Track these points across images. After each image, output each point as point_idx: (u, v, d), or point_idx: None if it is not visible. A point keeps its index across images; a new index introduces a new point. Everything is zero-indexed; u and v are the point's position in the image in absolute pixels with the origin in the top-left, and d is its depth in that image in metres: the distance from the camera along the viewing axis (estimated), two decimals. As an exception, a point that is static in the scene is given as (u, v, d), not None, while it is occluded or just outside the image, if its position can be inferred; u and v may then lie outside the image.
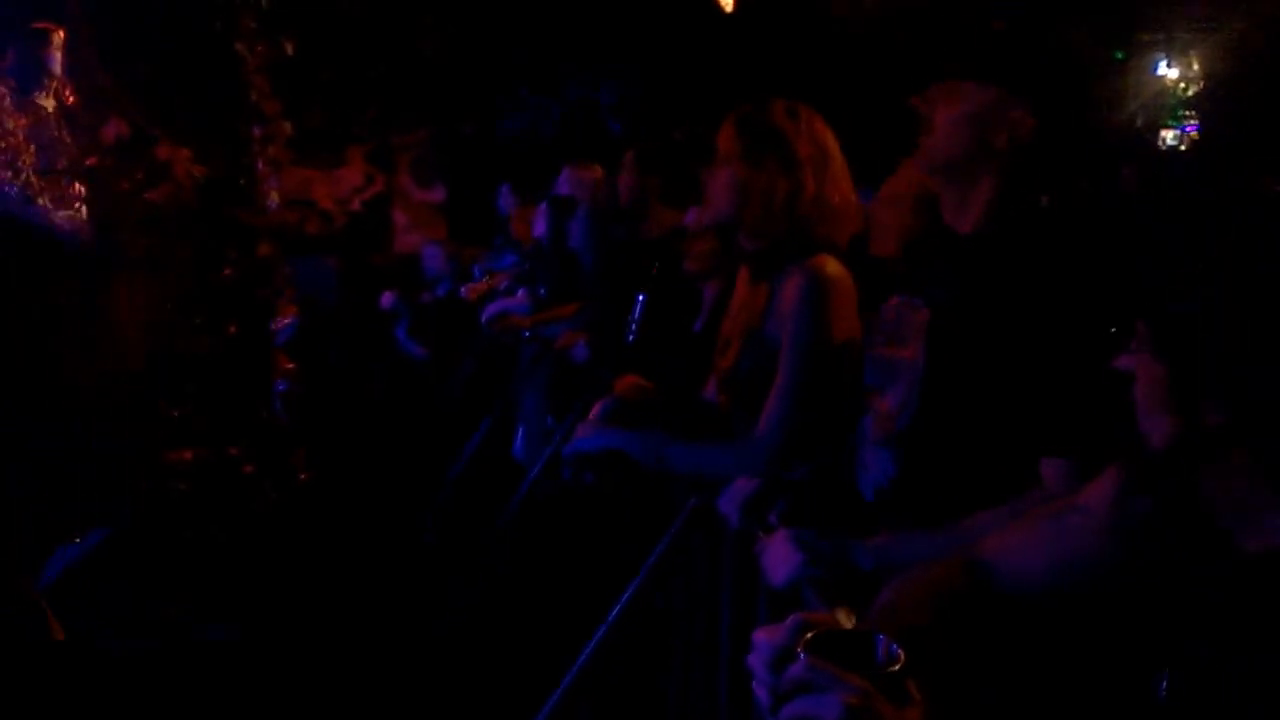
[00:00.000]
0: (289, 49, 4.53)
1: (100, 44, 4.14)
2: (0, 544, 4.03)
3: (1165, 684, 1.21)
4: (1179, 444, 1.22)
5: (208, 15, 4.23)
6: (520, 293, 5.68)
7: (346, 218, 7.82)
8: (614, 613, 2.69)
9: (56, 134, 4.01)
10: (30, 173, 3.93)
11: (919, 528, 1.81)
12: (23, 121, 3.95)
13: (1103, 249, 1.81)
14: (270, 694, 3.64)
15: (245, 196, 4.34)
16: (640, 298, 3.57)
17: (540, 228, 5.38)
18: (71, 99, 4.07)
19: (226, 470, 4.31)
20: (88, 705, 3.51)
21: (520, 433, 5.12)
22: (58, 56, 4.06)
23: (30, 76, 4.02)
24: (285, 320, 4.75)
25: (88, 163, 4.09)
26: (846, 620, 1.67)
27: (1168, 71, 7.95)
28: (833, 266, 2.44)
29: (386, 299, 6.99)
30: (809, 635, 1.06)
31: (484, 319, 5.58)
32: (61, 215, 4.02)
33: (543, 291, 5.37)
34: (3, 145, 3.89)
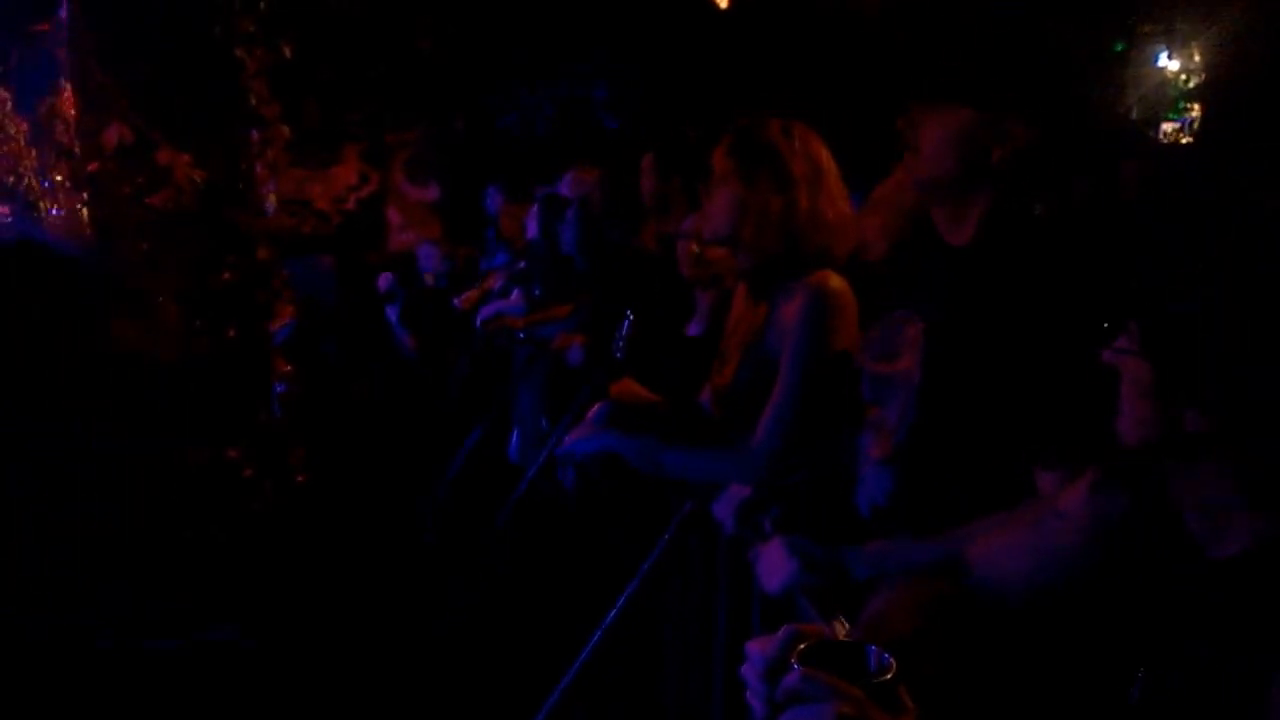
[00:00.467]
0: (287, 52, 4.54)
1: (100, 48, 4.15)
2: (0, 544, 4.06)
3: (1139, 685, 1.23)
4: (1154, 444, 1.24)
5: (207, 19, 4.24)
6: (515, 294, 5.69)
7: (342, 217, 7.82)
8: (610, 616, 2.72)
9: (58, 138, 4.02)
10: (32, 177, 3.95)
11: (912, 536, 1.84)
12: (24, 126, 3.96)
13: (1098, 257, 1.79)
14: (270, 694, 3.66)
15: (244, 200, 4.36)
16: (628, 315, 3.59)
17: (533, 228, 5.39)
18: (73, 104, 4.08)
19: (226, 472, 4.33)
20: (88, 705, 3.54)
21: (515, 434, 5.14)
22: (59, 61, 4.07)
23: (32, 81, 4.04)
24: (283, 321, 4.76)
25: (89, 167, 4.10)
26: (839, 627, 1.71)
27: (1168, 63, 7.89)
28: (835, 281, 2.47)
29: (384, 279, 6.97)
30: (802, 646, 1.07)
31: (479, 320, 5.59)
32: (63, 219, 4.04)
33: (537, 292, 5.38)
34: (4, 150, 3.91)
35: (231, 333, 4.29)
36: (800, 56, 7.11)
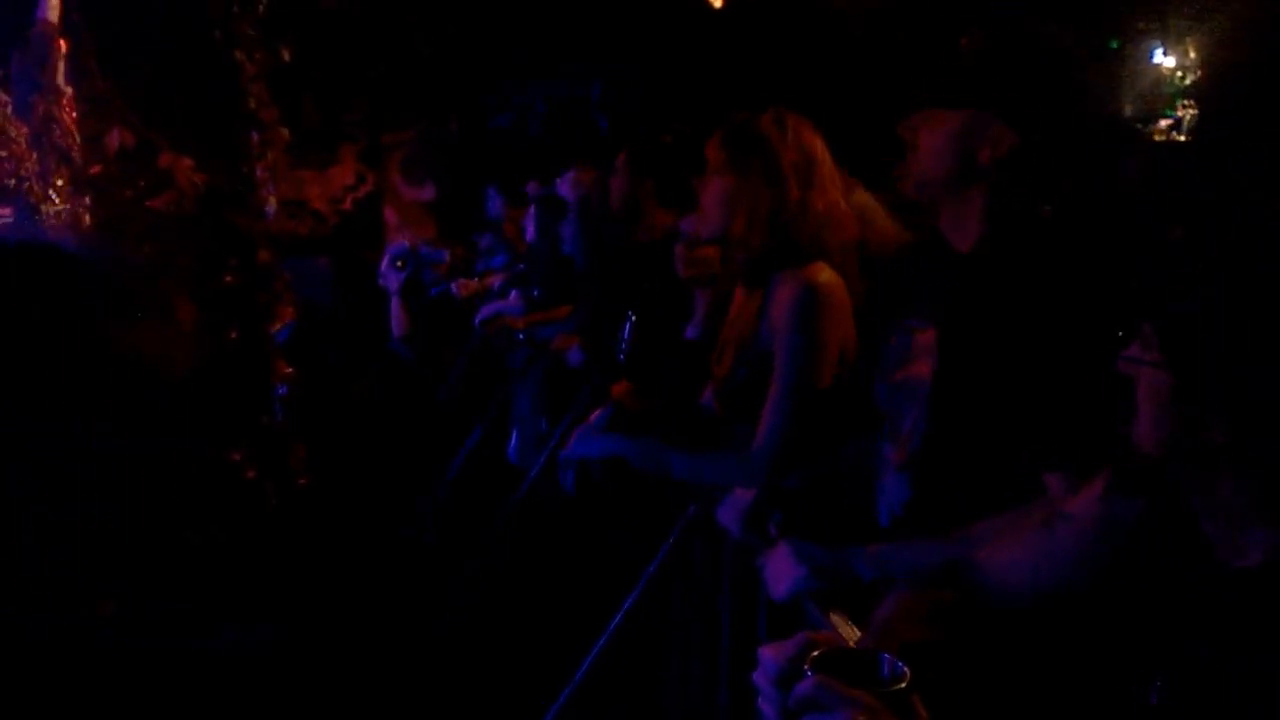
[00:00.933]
0: (286, 55, 4.54)
1: (101, 52, 4.16)
2: (0, 544, 4.05)
3: (1158, 688, 1.22)
4: (1174, 452, 1.23)
5: (207, 23, 4.24)
6: (513, 294, 5.69)
7: (339, 217, 7.81)
8: (614, 621, 2.72)
9: (59, 142, 4.02)
10: (34, 180, 3.95)
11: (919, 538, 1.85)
12: (25, 130, 3.96)
13: (1105, 258, 1.78)
14: (270, 694, 3.67)
15: (245, 203, 4.36)
16: (630, 317, 3.60)
17: (531, 230, 5.39)
18: (73, 107, 4.08)
19: (228, 473, 4.33)
20: (88, 705, 3.54)
21: (514, 436, 5.15)
22: (60, 64, 4.07)
23: (32, 84, 4.03)
24: (283, 323, 4.76)
25: (91, 171, 4.10)
26: (847, 630, 1.73)
27: (1164, 60, 7.88)
28: (825, 274, 2.46)
29: (396, 246, 6.79)
30: (815, 653, 1.08)
31: (477, 320, 5.59)
32: (65, 221, 4.03)
33: (536, 293, 5.39)
34: (5, 154, 3.90)
35: (234, 335, 4.29)
36: (797, 56, 7.12)
